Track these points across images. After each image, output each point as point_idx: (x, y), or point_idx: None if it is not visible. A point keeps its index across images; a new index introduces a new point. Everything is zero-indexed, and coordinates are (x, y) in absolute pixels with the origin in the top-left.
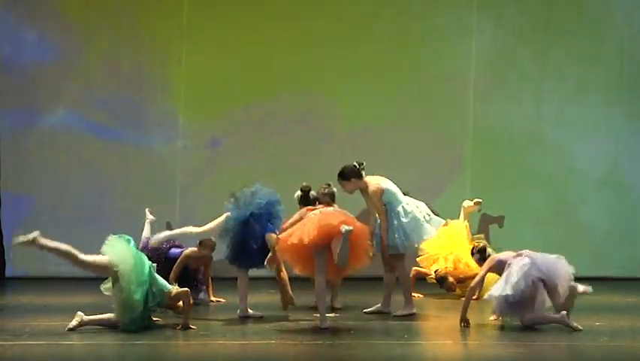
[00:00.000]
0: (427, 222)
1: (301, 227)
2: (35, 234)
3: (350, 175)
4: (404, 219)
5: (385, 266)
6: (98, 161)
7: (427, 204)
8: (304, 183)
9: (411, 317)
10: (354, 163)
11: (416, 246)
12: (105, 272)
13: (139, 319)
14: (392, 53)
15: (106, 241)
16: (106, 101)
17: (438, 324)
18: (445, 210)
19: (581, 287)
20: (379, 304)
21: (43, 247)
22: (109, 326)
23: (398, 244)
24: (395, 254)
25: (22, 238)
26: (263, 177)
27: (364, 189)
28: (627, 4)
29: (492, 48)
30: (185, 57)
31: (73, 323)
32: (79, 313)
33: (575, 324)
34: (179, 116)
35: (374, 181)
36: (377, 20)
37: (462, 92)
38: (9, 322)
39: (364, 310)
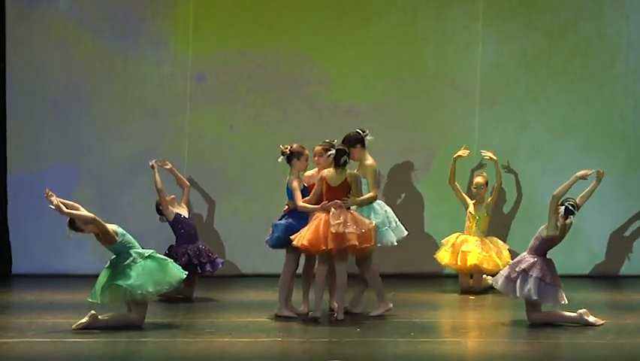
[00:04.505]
0: (392, 229)
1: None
2: (92, 313)
3: (356, 142)
4: (373, 217)
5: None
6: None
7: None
8: (340, 146)
9: (389, 317)
10: (358, 130)
11: (379, 245)
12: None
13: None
14: (396, 43)
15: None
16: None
17: (445, 321)
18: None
19: (591, 318)
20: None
21: (101, 323)
22: (125, 326)
23: None
24: None
25: (81, 322)
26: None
27: (362, 161)
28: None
29: (492, 65)
30: None
31: (84, 321)
32: (92, 312)
33: (594, 319)
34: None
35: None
36: (387, 8)
37: (450, 98)
38: (15, 319)
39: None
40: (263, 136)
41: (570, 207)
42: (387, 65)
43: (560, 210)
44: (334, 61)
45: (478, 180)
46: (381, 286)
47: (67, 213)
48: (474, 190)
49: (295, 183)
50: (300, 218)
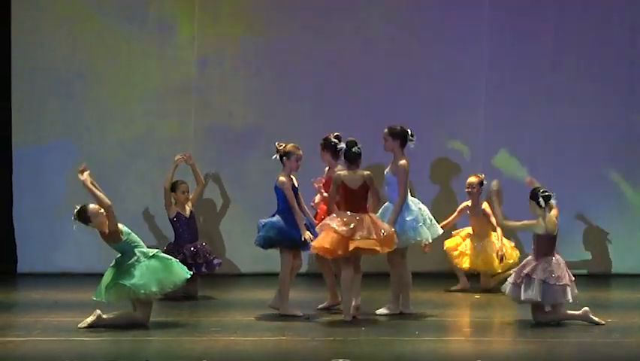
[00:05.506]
0: (427, 227)
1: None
2: (97, 312)
3: (399, 136)
4: (407, 215)
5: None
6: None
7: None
8: (350, 138)
9: (395, 316)
10: (408, 129)
11: (412, 242)
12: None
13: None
14: (402, 40)
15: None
16: None
17: (449, 320)
18: None
19: (595, 318)
20: (390, 304)
21: (106, 321)
22: (130, 325)
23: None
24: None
25: (87, 321)
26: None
27: (395, 158)
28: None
29: (496, 66)
30: None
31: (89, 320)
32: (97, 311)
33: (597, 319)
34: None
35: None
36: (393, 4)
37: (453, 98)
38: (20, 318)
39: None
40: (258, 121)
41: (545, 194)
42: (391, 62)
43: (540, 203)
44: (338, 53)
45: (472, 179)
46: (400, 290)
47: (90, 189)
48: (467, 190)
49: (287, 183)
50: (287, 218)
